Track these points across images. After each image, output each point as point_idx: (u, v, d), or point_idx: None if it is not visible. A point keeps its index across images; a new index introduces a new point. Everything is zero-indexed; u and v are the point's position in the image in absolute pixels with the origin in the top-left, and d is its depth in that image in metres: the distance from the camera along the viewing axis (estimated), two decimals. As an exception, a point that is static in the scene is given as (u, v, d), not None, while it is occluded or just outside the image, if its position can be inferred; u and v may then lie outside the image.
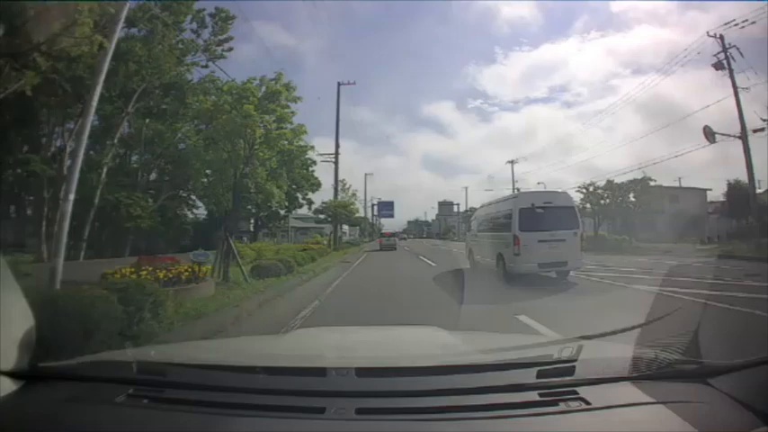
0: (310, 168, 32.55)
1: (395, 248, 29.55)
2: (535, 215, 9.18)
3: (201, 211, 27.82)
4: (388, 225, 56.54)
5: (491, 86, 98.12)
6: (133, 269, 6.98)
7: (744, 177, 20.03)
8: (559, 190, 10.99)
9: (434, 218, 77.13)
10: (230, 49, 21.91)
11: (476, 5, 77.20)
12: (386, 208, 57.76)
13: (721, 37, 18.31)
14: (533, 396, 1.18)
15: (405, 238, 53.67)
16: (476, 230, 12.58)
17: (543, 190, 14.20)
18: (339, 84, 29.48)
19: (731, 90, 18.06)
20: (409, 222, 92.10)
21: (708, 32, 18.65)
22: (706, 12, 62.19)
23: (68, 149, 16.69)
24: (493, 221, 11.04)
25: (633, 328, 1.77)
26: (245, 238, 29.51)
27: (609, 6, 74.41)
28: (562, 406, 1.14)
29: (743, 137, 17.78)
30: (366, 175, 52.04)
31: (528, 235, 9.03)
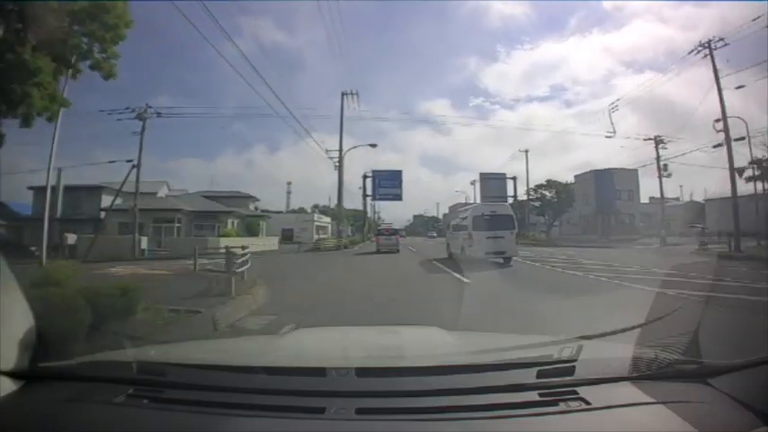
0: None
1: (397, 250, 23.00)
2: (484, 220, 14.18)
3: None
4: (391, 214, 40.84)
5: (492, 84, 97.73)
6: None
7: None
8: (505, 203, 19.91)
9: (447, 211, 60.16)
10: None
11: (476, 5, 77.33)
12: (388, 183, 36.92)
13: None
14: (533, 396, 1.17)
15: (403, 236, 40.09)
16: (451, 230, 18.34)
17: (491, 203, 20.33)
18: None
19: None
20: (415, 217, 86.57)
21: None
22: (706, 8, 61.85)
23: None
24: (459, 223, 16.41)
25: (633, 328, 1.78)
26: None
27: (608, 5, 74.27)
28: (562, 406, 1.14)
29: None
30: (343, 94, 30.59)
31: (478, 233, 13.95)
